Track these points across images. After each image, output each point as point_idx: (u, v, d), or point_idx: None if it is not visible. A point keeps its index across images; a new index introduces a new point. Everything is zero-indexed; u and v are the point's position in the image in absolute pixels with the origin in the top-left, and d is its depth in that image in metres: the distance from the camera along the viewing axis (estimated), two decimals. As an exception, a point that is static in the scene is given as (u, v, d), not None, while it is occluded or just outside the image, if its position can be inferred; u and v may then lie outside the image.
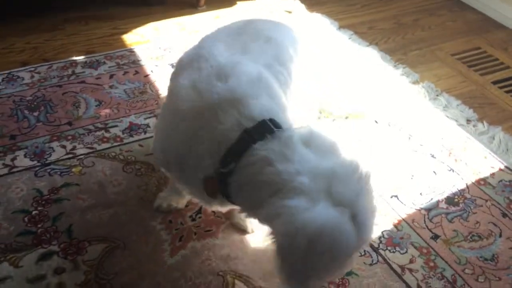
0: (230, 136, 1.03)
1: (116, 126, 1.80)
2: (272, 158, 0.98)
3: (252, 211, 1.04)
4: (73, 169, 1.62)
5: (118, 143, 1.73)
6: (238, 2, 2.70)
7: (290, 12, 2.64)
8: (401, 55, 2.33)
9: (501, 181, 1.69)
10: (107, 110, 1.87)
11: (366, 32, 2.49)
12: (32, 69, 2.07)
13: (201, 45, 1.28)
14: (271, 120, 1.04)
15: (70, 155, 1.67)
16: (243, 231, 1.46)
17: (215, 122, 1.06)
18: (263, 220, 1.01)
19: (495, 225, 1.54)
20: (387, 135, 1.84)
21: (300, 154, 0.97)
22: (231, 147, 1.03)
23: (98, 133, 1.77)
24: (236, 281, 1.34)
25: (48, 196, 1.53)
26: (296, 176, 0.94)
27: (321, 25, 2.53)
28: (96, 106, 1.89)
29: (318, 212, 0.90)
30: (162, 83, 2.02)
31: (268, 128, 1.02)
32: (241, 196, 1.05)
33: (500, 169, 1.73)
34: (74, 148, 1.70)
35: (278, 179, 0.96)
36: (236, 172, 1.02)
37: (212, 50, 1.20)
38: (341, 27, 2.52)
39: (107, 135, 1.76)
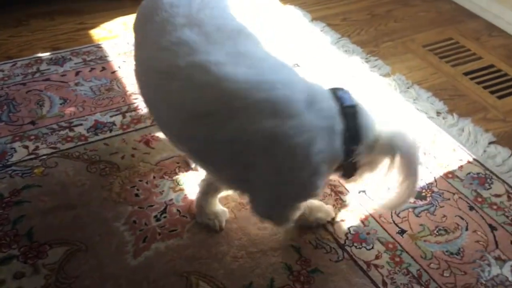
0: None
1: (81, 124, 1.76)
2: None
3: None
4: (35, 170, 1.58)
5: (83, 142, 1.70)
6: (210, -5, 2.66)
7: (263, 4, 2.60)
8: (373, 47, 2.31)
9: (469, 173, 1.69)
10: (72, 108, 1.83)
11: (339, 24, 2.47)
12: (-5, 66, 2.02)
13: None
14: None
15: (33, 156, 1.63)
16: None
17: None
18: None
19: (461, 218, 1.53)
20: (356, 129, 1.83)
21: None
22: None
23: (62, 132, 1.73)
24: (200, 282, 1.32)
25: (8, 198, 1.49)
26: None
27: (293, 17, 2.50)
28: (60, 104, 1.85)
29: None
30: (129, 80, 1.98)
31: None
32: None
33: (469, 162, 1.73)
34: (36, 148, 1.66)
35: None
36: None
37: None
38: (314, 19, 2.49)
39: (71, 134, 1.73)
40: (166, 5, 1.23)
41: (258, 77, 1.08)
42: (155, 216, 1.47)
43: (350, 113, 1.13)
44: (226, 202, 1.53)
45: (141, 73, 1.28)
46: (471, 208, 1.57)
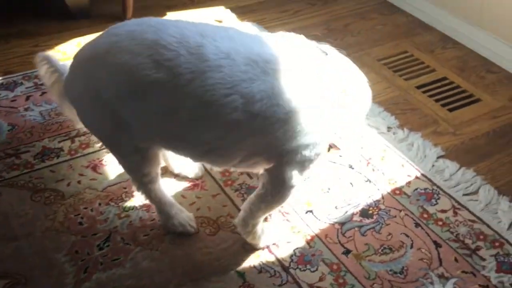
0: None
1: (28, 151, 1.75)
2: None
3: None
4: (-21, 201, 1.56)
5: (29, 170, 1.68)
6: (168, 13, 2.67)
7: (220, 21, 2.61)
8: (328, 62, 2.33)
9: (416, 189, 1.70)
10: (20, 135, 1.81)
11: (296, 39, 2.48)
12: None
13: None
14: None
15: (-24, 186, 1.61)
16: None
17: None
18: None
19: (407, 236, 1.55)
20: (307, 147, 1.84)
21: None
22: None
23: (8, 160, 1.71)
24: (141, 312, 1.32)
25: (-52, 231, 1.47)
26: None
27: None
28: (8, 130, 1.83)
29: None
30: (80, 103, 1.97)
31: None
32: None
33: (416, 177, 1.75)
34: (-18, 176, 1.64)
35: None
36: None
37: None
38: (270, 35, 2.50)
39: (17, 161, 1.71)
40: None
41: None
42: (98, 245, 1.46)
43: None
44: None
45: None
46: (417, 225, 1.58)
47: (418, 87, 2.19)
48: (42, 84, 2.07)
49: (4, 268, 1.38)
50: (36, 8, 2.60)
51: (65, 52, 2.30)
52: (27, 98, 1.99)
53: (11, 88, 2.04)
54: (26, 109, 1.94)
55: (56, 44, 2.35)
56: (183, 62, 1.15)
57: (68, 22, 2.51)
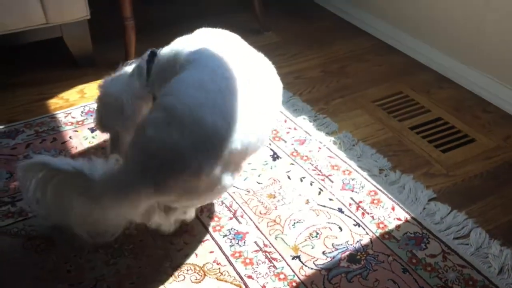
0: None
1: (23, 199, 1.79)
2: None
3: None
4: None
5: (23, 218, 1.72)
6: (168, 59, 2.74)
7: (218, 66, 2.67)
8: (323, 105, 2.36)
9: (406, 233, 1.69)
10: (17, 183, 1.87)
11: (292, 82, 2.53)
12: (-52, 142, 2.07)
13: None
14: None
15: (-29, 234, 1.65)
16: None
17: None
18: None
19: (394, 282, 1.53)
20: (297, 190, 1.85)
21: None
22: None
23: (4, 208, 1.76)
24: None
25: None
26: None
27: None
28: (6, 178, 1.89)
29: None
30: (78, 149, 2.03)
31: None
32: None
33: (407, 220, 1.74)
34: (-24, 225, 1.69)
35: None
36: None
37: None
38: (267, 78, 2.55)
39: (12, 209, 1.75)
40: None
41: None
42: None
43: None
44: (158, 275, 1.53)
45: None
46: (405, 271, 1.56)
47: (412, 128, 2.20)
48: (43, 132, 2.14)
49: (-9, 317, 1.41)
50: (41, 57, 2.71)
51: (67, 99, 2.38)
52: (27, 146, 2.06)
53: (12, 136, 2.12)
54: (25, 157, 2.00)
55: (59, 92, 2.44)
56: None
57: (72, 70, 2.60)
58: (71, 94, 2.43)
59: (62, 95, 2.43)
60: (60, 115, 2.26)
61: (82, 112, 2.28)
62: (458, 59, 2.49)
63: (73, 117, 2.24)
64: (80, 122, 2.20)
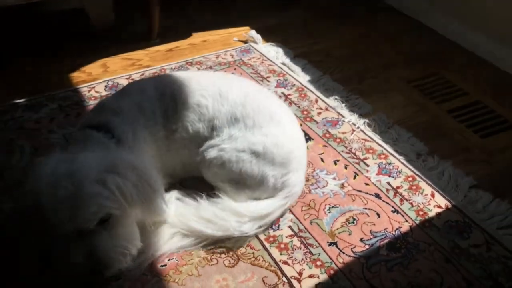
0: None
1: (49, 175, 1.73)
2: None
3: None
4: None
5: (49, 195, 1.66)
6: (193, 33, 2.66)
7: (245, 41, 2.58)
8: (355, 85, 2.27)
9: (447, 221, 1.61)
10: (43, 158, 1.80)
11: (322, 61, 2.44)
12: (-30, 114, 2.01)
13: None
14: None
15: (-4, 210, 1.60)
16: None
17: None
18: None
19: (437, 272, 1.46)
20: (331, 173, 1.77)
21: None
22: None
23: (29, 184, 1.70)
24: None
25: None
26: None
27: (275, 54, 2.47)
28: (31, 153, 1.83)
29: None
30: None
31: None
32: None
33: (448, 208, 1.66)
34: (1, 202, 1.63)
35: None
36: None
37: None
38: (296, 56, 2.46)
39: (38, 185, 1.69)
40: None
41: None
42: (115, 275, 1.42)
43: None
44: (190, 259, 1.48)
45: None
46: (447, 261, 1.49)
47: (449, 112, 2.11)
48: (66, 106, 2.08)
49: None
50: (60, 30, 2.63)
51: (90, 73, 2.31)
52: (51, 120, 1.99)
53: (35, 109, 2.05)
54: (49, 131, 1.93)
55: (81, 66, 2.36)
56: None
57: (93, 43, 2.52)
58: (94, 68, 2.36)
59: (84, 69, 2.35)
60: (84, 89, 2.19)
61: (106, 86, 2.20)
62: (497, 40, 2.37)
63: (97, 92, 2.17)
64: (104, 97, 2.13)
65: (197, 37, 2.62)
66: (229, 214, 1.50)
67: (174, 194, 1.57)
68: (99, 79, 2.26)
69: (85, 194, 1.24)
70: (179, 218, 1.50)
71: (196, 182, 1.65)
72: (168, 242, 1.47)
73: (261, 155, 1.54)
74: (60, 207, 1.23)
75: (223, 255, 1.49)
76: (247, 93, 1.62)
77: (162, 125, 1.58)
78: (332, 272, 1.46)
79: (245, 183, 1.55)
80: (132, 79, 2.24)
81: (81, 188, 1.24)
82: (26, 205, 1.29)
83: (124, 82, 2.23)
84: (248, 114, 1.58)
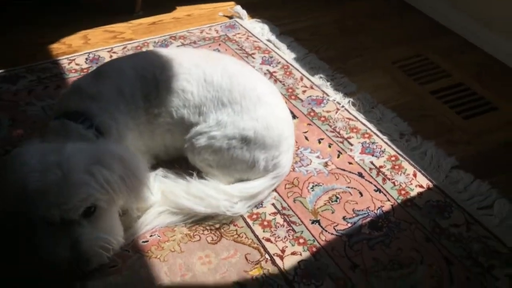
0: None
1: (27, 148, 1.69)
2: None
3: None
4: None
5: (27, 168, 1.62)
6: (177, 7, 2.60)
7: (230, 17, 2.54)
8: (340, 64, 2.25)
9: (428, 201, 1.63)
10: (20, 131, 1.76)
11: (308, 39, 2.41)
12: None
13: None
14: None
15: (-28, 183, 1.56)
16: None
17: None
18: None
19: (417, 251, 1.47)
20: (315, 153, 1.77)
21: None
22: None
23: (6, 157, 1.66)
24: (137, 323, 1.26)
25: None
26: None
27: (260, 31, 2.43)
28: (9, 125, 1.78)
29: None
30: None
31: None
32: None
33: (429, 188, 1.67)
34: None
35: None
36: None
37: None
38: (282, 33, 2.43)
39: (16, 159, 1.65)
40: None
41: None
42: (95, 251, 1.40)
43: None
44: (172, 235, 1.46)
45: None
46: (428, 240, 1.51)
47: (433, 93, 2.11)
48: (45, 78, 2.02)
49: None
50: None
51: (70, 45, 2.25)
52: (30, 92, 1.94)
53: (13, 81, 1.99)
54: (27, 104, 1.88)
55: (62, 37, 2.30)
56: None
57: (75, 14, 2.45)
58: (74, 39, 2.29)
59: (64, 40, 2.28)
60: (64, 61, 2.13)
61: (86, 59, 2.14)
62: (482, 23, 2.38)
63: (77, 64, 2.11)
64: (85, 70, 2.07)
65: (181, 11, 2.57)
66: (219, 192, 1.49)
67: (160, 173, 1.55)
68: (80, 51, 2.20)
69: (74, 181, 1.22)
70: (168, 196, 1.48)
71: (180, 162, 1.63)
72: (155, 220, 1.46)
73: (252, 140, 1.52)
74: (48, 191, 1.20)
75: (206, 232, 1.49)
76: (232, 74, 1.58)
77: (143, 109, 1.53)
78: (314, 249, 1.46)
79: (236, 168, 1.54)
80: (114, 52, 2.19)
81: (70, 175, 1.22)
82: (10, 190, 1.25)
83: (105, 55, 2.17)
84: (235, 98, 1.54)
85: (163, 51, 1.66)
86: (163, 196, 1.48)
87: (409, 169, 1.74)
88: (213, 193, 1.48)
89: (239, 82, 1.57)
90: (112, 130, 1.45)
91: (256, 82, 1.62)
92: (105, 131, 1.43)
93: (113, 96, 1.49)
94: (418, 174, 1.72)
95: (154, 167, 1.58)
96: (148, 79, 1.53)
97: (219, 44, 2.32)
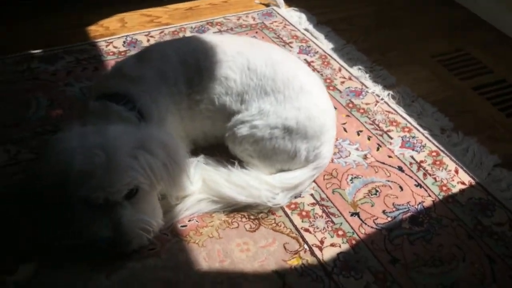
0: None
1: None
2: None
3: None
4: (14, 178, 1.52)
5: (67, 148, 1.63)
6: (217, -5, 2.57)
7: (267, 5, 2.51)
8: (379, 56, 2.21)
9: (470, 198, 1.59)
10: (59, 111, 1.77)
11: (346, 29, 2.37)
12: (-15, 63, 1.96)
13: None
14: None
15: (13, 161, 1.57)
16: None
17: None
18: None
19: (459, 248, 1.44)
20: (354, 145, 1.74)
21: None
22: None
23: (46, 136, 1.66)
24: (176, 307, 1.26)
25: (-16, 207, 1.43)
26: None
27: (298, 20, 2.40)
28: (47, 105, 1.79)
29: None
30: (121, 82, 1.91)
31: None
32: None
33: (471, 185, 1.64)
34: (18, 153, 1.60)
35: None
36: None
37: None
38: (319, 22, 2.40)
39: (55, 138, 1.66)
40: None
41: None
42: (135, 233, 1.40)
43: None
44: (211, 221, 1.45)
45: None
46: (470, 237, 1.47)
47: (475, 88, 2.06)
48: (83, 59, 2.02)
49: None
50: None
51: (108, 27, 2.24)
52: (68, 73, 1.94)
53: (51, 61, 2.00)
54: (66, 84, 1.89)
55: (99, 19, 2.29)
56: None
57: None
58: (111, 22, 2.29)
59: (101, 23, 2.28)
60: (101, 44, 2.12)
61: (124, 42, 2.14)
62: (526, 18, 2.31)
63: (115, 47, 2.11)
64: (123, 53, 2.07)
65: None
66: (261, 182, 1.48)
67: (201, 159, 1.53)
68: (117, 34, 2.19)
69: (119, 164, 1.22)
70: (209, 184, 1.47)
71: (221, 149, 1.61)
72: (194, 206, 1.45)
73: (294, 130, 1.49)
74: (93, 173, 1.20)
75: (244, 219, 1.47)
76: (275, 63, 1.55)
77: (186, 94, 1.51)
78: (354, 242, 1.44)
79: (277, 158, 1.52)
80: (151, 36, 2.18)
81: (115, 158, 1.22)
82: (53, 170, 1.25)
83: (142, 38, 2.17)
84: (279, 88, 1.52)
85: (207, 37, 1.64)
86: (204, 184, 1.47)
87: (451, 165, 1.70)
88: (255, 183, 1.46)
89: (283, 71, 1.54)
90: (153, 114, 1.44)
91: (299, 71, 1.60)
92: (146, 114, 1.42)
93: (156, 79, 1.48)
94: (460, 170, 1.68)
95: (195, 153, 1.56)
96: (192, 65, 1.51)
97: (256, 32, 2.29)
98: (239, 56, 1.55)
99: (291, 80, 1.53)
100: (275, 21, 2.38)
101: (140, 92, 1.43)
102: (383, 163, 1.69)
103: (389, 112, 1.90)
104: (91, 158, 1.21)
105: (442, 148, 1.76)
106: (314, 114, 1.52)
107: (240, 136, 1.51)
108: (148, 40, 2.16)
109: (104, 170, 1.21)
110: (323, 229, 1.47)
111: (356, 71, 2.09)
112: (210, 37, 1.65)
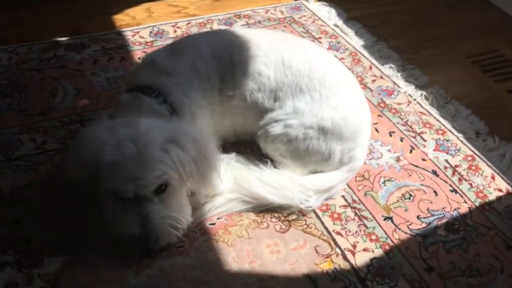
0: None
1: (92, 119, 1.66)
2: None
3: None
4: (41, 167, 1.49)
5: (93, 139, 1.59)
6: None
7: (296, -1, 2.45)
8: (411, 54, 2.15)
9: (508, 206, 1.53)
10: (85, 101, 1.73)
11: (377, 26, 2.31)
12: (11, 49, 1.93)
13: None
14: None
15: (39, 151, 1.54)
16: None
17: None
18: None
19: (497, 258, 1.39)
20: (386, 146, 1.69)
21: None
22: None
23: (72, 126, 1.63)
24: (204, 309, 1.22)
25: (9, 196, 1.40)
26: None
27: (327, 15, 2.34)
28: (74, 95, 1.75)
29: None
30: (148, 73, 1.87)
31: None
32: None
33: (509, 192, 1.58)
34: (44, 142, 1.57)
35: None
36: None
37: None
38: (349, 18, 2.34)
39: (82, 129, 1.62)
40: None
41: None
42: (162, 229, 1.37)
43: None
44: (240, 219, 1.41)
45: None
46: (509, 248, 1.42)
47: (510, 92, 1.99)
48: (110, 49, 1.98)
49: (64, 243, 1.31)
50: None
51: (134, 17, 2.20)
52: (94, 62, 1.91)
53: (78, 49, 1.96)
54: (92, 74, 1.85)
55: (125, 8, 2.25)
56: None
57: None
58: (138, 12, 2.25)
59: (128, 12, 2.24)
60: (128, 33, 2.09)
61: (150, 32, 2.10)
62: None
63: (141, 37, 2.07)
64: (149, 43, 2.03)
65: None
66: (294, 184, 1.43)
67: (233, 157, 1.49)
68: (143, 24, 2.15)
69: (150, 157, 1.19)
70: (241, 183, 1.42)
71: (252, 146, 1.57)
72: (225, 205, 1.41)
73: (329, 131, 1.44)
74: (124, 165, 1.17)
75: (274, 220, 1.43)
76: (311, 60, 1.50)
77: (218, 89, 1.47)
78: (387, 247, 1.39)
79: (310, 159, 1.47)
80: (178, 27, 2.14)
81: (146, 151, 1.19)
82: (83, 162, 1.21)
83: (169, 29, 2.12)
84: (314, 86, 1.46)
85: (241, 31, 1.59)
86: (235, 182, 1.42)
87: (487, 170, 1.64)
88: (288, 184, 1.42)
89: (319, 68, 1.49)
90: (185, 107, 1.40)
91: (336, 69, 1.54)
92: (178, 108, 1.38)
93: (188, 73, 1.43)
94: (497, 177, 1.62)
95: (224, 150, 1.52)
96: (225, 59, 1.47)
97: (285, 26, 2.24)
98: (273, 52, 1.50)
99: (327, 78, 1.48)
100: (304, 16, 2.32)
101: (172, 85, 1.39)
102: (417, 166, 1.63)
103: (422, 113, 1.84)
104: (121, 149, 1.18)
105: (477, 153, 1.70)
106: (350, 114, 1.47)
107: (273, 135, 1.46)
108: (175, 31, 2.11)
109: (134, 162, 1.18)
110: (356, 233, 1.42)
111: (387, 69, 2.03)
112: (244, 31, 1.60)
